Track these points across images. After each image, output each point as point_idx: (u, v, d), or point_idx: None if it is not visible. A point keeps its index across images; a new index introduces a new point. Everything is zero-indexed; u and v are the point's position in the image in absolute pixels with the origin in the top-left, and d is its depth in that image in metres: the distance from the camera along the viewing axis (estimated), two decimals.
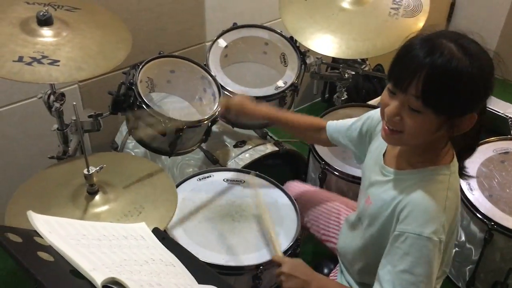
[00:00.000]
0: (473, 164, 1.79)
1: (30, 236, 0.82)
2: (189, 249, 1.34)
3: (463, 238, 1.74)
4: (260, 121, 1.56)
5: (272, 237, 1.36)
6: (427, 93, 0.97)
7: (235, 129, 1.97)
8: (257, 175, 1.66)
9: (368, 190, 1.23)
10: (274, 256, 1.29)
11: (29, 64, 1.29)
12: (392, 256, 1.08)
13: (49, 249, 0.80)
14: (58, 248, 0.81)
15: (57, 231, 0.87)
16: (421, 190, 1.07)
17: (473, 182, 1.72)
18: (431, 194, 1.06)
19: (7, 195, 1.31)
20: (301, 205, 1.58)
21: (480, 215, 1.62)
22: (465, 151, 1.17)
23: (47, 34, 1.39)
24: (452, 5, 3.32)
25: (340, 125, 1.44)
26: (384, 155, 1.22)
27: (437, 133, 1.04)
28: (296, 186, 1.70)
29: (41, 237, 0.83)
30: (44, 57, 1.32)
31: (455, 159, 1.13)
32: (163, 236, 1.06)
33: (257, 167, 1.79)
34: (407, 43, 1.03)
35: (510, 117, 2.23)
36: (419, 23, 1.87)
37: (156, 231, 1.08)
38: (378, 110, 1.32)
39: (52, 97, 1.51)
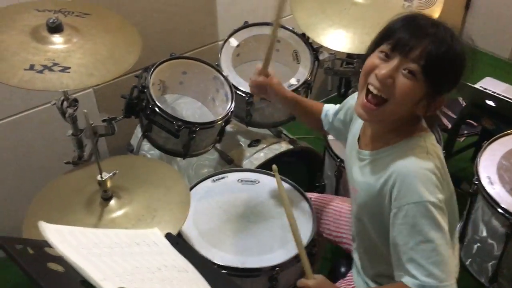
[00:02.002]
0: (493, 157, 1.74)
1: (41, 247, 0.82)
2: (204, 252, 1.36)
3: (484, 233, 1.70)
4: (284, 105, 1.57)
5: (301, 252, 1.26)
6: (428, 61, 1.01)
7: (249, 128, 1.96)
8: (272, 175, 1.64)
9: (352, 178, 1.23)
10: (299, 282, 1.22)
11: (40, 72, 1.30)
12: (399, 235, 1.06)
13: (60, 260, 0.80)
14: (69, 258, 0.81)
15: (68, 240, 0.87)
16: (402, 160, 1.08)
17: (494, 176, 1.68)
18: (413, 160, 1.07)
19: (26, 200, 1.33)
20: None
21: (501, 209, 1.58)
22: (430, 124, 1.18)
23: (57, 41, 1.39)
24: (467, 4, 3.24)
25: (331, 109, 1.46)
26: (358, 141, 1.22)
27: (415, 107, 1.07)
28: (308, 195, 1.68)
29: (52, 247, 0.83)
30: (55, 64, 1.33)
31: (429, 131, 1.15)
32: (177, 241, 1.06)
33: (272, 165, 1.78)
34: (403, 17, 1.08)
35: None
36: (434, 14, 1.82)
37: (169, 236, 1.07)
38: (351, 96, 1.35)
39: (65, 103, 1.52)
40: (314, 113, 1.51)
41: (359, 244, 1.34)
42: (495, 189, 1.63)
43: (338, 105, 1.45)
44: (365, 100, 1.08)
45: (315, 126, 1.53)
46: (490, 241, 1.68)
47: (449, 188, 1.15)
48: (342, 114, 1.40)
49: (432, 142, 1.13)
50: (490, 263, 1.70)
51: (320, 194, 1.66)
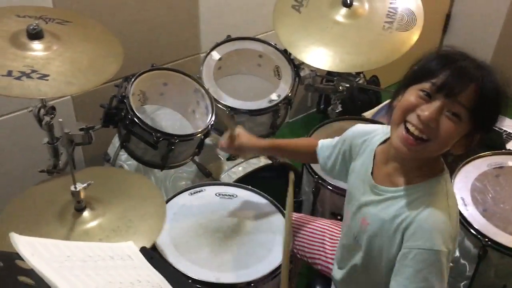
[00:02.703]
0: (467, 179, 1.78)
1: (12, 259, 0.80)
2: (179, 266, 1.34)
3: (457, 254, 1.72)
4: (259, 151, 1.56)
5: (284, 268, 1.27)
6: (478, 104, 0.99)
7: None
8: (250, 190, 1.64)
9: (361, 211, 1.20)
10: None
11: (18, 78, 1.28)
12: (403, 275, 1.06)
13: (31, 273, 0.78)
14: (40, 272, 0.79)
15: (40, 253, 0.85)
16: (424, 205, 1.06)
17: (467, 197, 1.71)
18: (434, 206, 1.06)
19: None
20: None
21: (474, 231, 1.60)
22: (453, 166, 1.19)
23: (37, 48, 1.38)
24: (448, 17, 3.32)
25: (326, 144, 1.40)
26: (372, 174, 1.19)
27: (453, 147, 1.05)
28: None
29: (23, 260, 0.81)
30: (33, 71, 1.31)
31: (445, 168, 1.14)
32: (151, 256, 1.05)
33: (251, 180, 1.78)
34: (445, 54, 1.05)
35: (504, 131, 2.22)
36: (413, 36, 1.86)
37: (144, 251, 1.06)
38: (354, 127, 1.31)
39: (42, 111, 1.50)
40: (306, 152, 1.47)
41: (350, 271, 1.30)
42: (469, 210, 1.66)
43: (329, 139, 1.42)
44: (406, 134, 1.04)
45: (312, 162, 1.51)
46: (462, 261, 1.70)
47: (458, 234, 1.14)
48: (339, 146, 1.35)
49: (450, 183, 1.12)
50: (462, 283, 1.72)
51: (296, 215, 1.64)
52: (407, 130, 1.04)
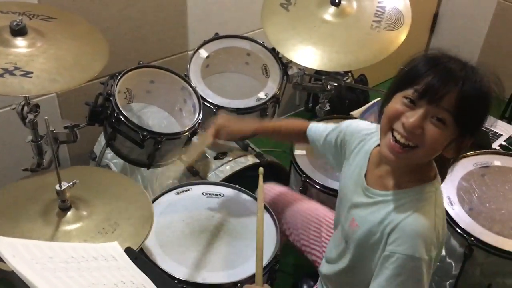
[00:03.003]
0: (453, 178, 1.78)
1: None
2: (166, 266, 1.33)
3: (443, 253, 1.73)
4: (248, 136, 1.55)
5: (259, 259, 1.25)
6: (460, 108, 0.97)
7: (216, 140, 1.94)
8: (237, 189, 1.64)
9: (351, 212, 1.20)
10: (245, 286, 1.22)
11: (1, 75, 1.26)
12: (382, 277, 1.06)
13: (12, 275, 0.77)
14: (21, 274, 0.77)
15: (22, 254, 0.83)
16: (410, 211, 1.05)
17: (453, 196, 1.72)
18: (420, 214, 1.05)
19: None
20: (279, 208, 1.55)
21: (460, 230, 1.61)
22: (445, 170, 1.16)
23: (20, 44, 1.35)
24: (435, 17, 3.34)
25: (320, 130, 1.42)
26: (365, 175, 1.19)
27: (444, 151, 1.04)
28: (273, 188, 1.66)
29: (3, 261, 0.79)
30: (16, 68, 1.29)
31: (438, 174, 1.13)
32: (136, 256, 1.03)
33: (238, 179, 1.77)
34: (428, 58, 1.03)
35: (490, 130, 2.24)
36: (401, 35, 1.87)
37: (128, 251, 1.04)
38: (351, 122, 1.31)
39: (26, 109, 1.47)
40: (296, 134, 1.49)
41: (337, 269, 1.30)
42: (455, 210, 1.67)
43: (323, 124, 1.42)
44: (392, 142, 1.03)
45: (296, 142, 1.51)
46: (448, 260, 1.71)
47: (443, 243, 1.14)
48: (334, 136, 1.35)
49: (440, 191, 1.12)
50: (448, 281, 1.73)
51: (289, 190, 1.63)
52: (394, 138, 1.03)
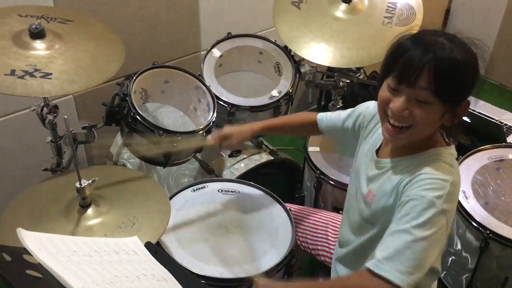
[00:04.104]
0: (468, 172, 1.79)
1: (20, 254, 0.81)
2: (183, 261, 1.36)
3: (459, 247, 1.73)
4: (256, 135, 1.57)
5: None
6: (437, 84, 1.02)
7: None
8: (252, 186, 1.65)
9: (367, 185, 1.23)
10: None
11: (21, 77, 1.29)
12: (391, 223, 1.07)
13: (39, 267, 0.79)
14: (48, 266, 0.80)
15: (47, 248, 0.86)
16: (426, 166, 1.08)
17: (468, 190, 1.72)
18: (436, 168, 1.08)
19: (1, 208, 1.30)
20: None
21: (476, 223, 1.61)
22: (455, 133, 1.19)
23: (39, 47, 1.39)
24: (447, 12, 3.32)
25: (333, 119, 1.45)
26: (377, 151, 1.23)
27: (440, 122, 1.09)
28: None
29: (30, 254, 0.82)
30: (36, 70, 1.32)
31: (453, 145, 1.16)
32: (156, 250, 1.06)
33: (253, 176, 1.79)
34: (399, 43, 1.08)
35: (505, 124, 2.23)
36: (412, 31, 1.86)
37: (148, 245, 1.07)
38: (369, 104, 1.34)
39: (45, 110, 1.51)
40: (305, 126, 1.52)
41: (349, 251, 1.32)
42: (470, 203, 1.67)
43: (331, 113, 1.46)
44: (389, 126, 1.10)
45: (307, 134, 1.53)
46: (464, 254, 1.71)
47: (455, 211, 1.14)
48: (351, 122, 1.39)
49: (454, 156, 1.15)
50: (465, 275, 1.73)
51: (298, 206, 1.67)
52: (389, 122, 1.10)
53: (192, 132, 1.66)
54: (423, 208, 1.03)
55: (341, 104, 2.18)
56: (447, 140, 1.17)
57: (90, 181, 1.24)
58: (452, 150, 1.15)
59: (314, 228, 1.57)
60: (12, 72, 1.30)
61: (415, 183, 1.07)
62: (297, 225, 1.57)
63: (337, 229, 1.51)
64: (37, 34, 1.39)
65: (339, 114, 1.44)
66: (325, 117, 1.48)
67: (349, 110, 1.42)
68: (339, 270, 1.38)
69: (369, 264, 1.05)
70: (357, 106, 1.39)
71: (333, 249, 1.48)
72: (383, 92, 1.10)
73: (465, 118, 2.06)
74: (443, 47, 1.02)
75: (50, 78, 1.32)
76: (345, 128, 1.41)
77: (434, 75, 1.01)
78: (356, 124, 1.37)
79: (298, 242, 1.56)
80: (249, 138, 1.57)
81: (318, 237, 1.55)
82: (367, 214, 1.23)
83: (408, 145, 1.15)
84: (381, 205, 1.17)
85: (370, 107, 1.34)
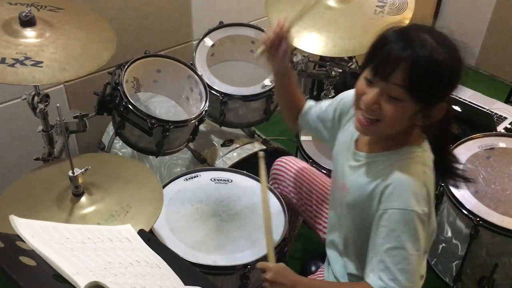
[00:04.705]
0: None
1: (12, 240, 0.81)
2: (176, 250, 1.36)
3: (449, 234, 1.75)
4: (279, 72, 1.41)
5: (269, 238, 1.29)
6: (412, 82, 1.01)
7: (223, 128, 1.97)
8: (245, 174, 1.66)
9: (343, 176, 1.24)
10: (259, 263, 1.23)
11: (12, 65, 1.28)
12: (378, 236, 1.09)
13: (32, 254, 0.79)
14: (41, 253, 0.80)
15: (40, 235, 0.86)
16: (399, 168, 1.10)
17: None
18: (409, 170, 1.09)
19: None
20: (298, 182, 1.58)
21: (466, 211, 1.63)
22: (442, 139, 1.19)
23: (30, 35, 1.37)
24: (439, 1, 3.33)
25: (315, 109, 1.44)
26: (356, 142, 1.24)
27: (411, 121, 1.09)
28: (293, 162, 1.66)
29: (23, 241, 0.82)
30: (27, 58, 1.31)
31: (426, 142, 1.16)
32: (149, 238, 1.06)
33: (245, 165, 1.79)
34: (383, 35, 1.06)
35: (495, 113, 2.25)
36: (404, 21, 1.87)
37: (141, 233, 1.07)
38: (350, 92, 1.32)
39: (36, 99, 1.50)
40: (296, 101, 1.47)
41: (335, 237, 1.35)
42: (460, 191, 1.69)
43: (321, 102, 1.44)
44: (360, 117, 1.11)
45: (289, 114, 1.47)
46: (454, 241, 1.73)
47: (433, 202, 1.16)
48: (332, 109, 1.37)
49: (428, 154, 1.15)
50: (455, 262, 1.75)
51: (310, 167, 1.64)
52: (361, 113, 1.11)
53: (185, 122, 1.66)
54: (408, 220, 1.06)
55: (333, 94, 2.19)
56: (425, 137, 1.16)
57: (83, 169, 1.24)
58: (425, 147, 1.15)
59: (321, 201, 1.56)
60: (3, 60, 1.29)
61: (392, 193, 1.08)
62: (306, 189, 1.58)
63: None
64: (27, 22, 1.38)
65: (321, 104, 1.43)
66: (311, 102, 1.46)
67: (329, 101, 1.41)
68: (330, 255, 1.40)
69: (375, 284, 1.08)
70: (337, 96, 1.39)
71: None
72: (360, 82, 1.10)
73: (456, 108, 2.08)
74: (424, 45, 1.00)
75: (41, 67, 1.31)
76: (326, 115, 1.38)
77: (409, 73, 1.00)
78: (336, 111, 1.35)
79: (302, 208, 1.58)
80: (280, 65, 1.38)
81: (323, 211, 1.55)
82: (343, 206, 1.25)
83: (383, 140, 1.16)
84: (353, 200, 1.19)
85: (350, 93, 1.31)
